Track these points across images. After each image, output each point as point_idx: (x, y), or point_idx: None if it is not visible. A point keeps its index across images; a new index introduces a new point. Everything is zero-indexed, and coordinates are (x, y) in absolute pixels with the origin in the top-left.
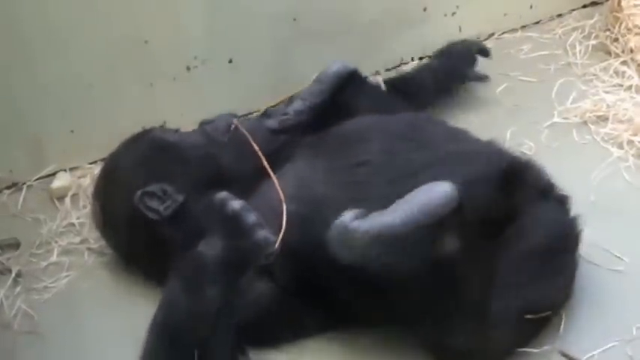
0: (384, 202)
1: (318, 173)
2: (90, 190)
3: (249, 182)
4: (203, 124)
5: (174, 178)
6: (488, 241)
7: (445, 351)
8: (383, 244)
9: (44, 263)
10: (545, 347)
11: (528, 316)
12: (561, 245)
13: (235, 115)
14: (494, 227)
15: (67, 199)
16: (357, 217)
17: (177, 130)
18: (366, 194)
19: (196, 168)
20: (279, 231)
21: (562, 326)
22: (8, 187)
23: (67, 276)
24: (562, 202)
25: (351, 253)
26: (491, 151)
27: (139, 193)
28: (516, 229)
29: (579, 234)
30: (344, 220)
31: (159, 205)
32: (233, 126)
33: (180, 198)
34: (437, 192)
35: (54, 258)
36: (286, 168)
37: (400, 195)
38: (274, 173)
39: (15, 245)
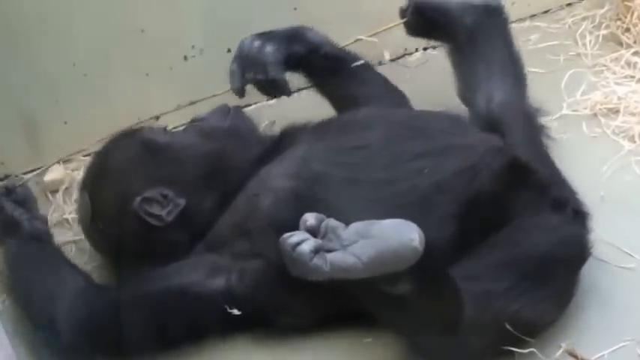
0: (377, 186)
1: (318, 153)
2: (76, 197)
3: (252, 170)
4: (195, 121)
5: (172, 181)
6: (475, 238)
7: (416, 348)
8: (338, 278)
9: None
10: (553, 347)
11: (507, 327)
12: (559, 260)
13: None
14: (486, 225)
15: (60, 193)
16: (316, 250)
17: (165, 129)
18: (361, 176)
19: (194, 169)
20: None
21: (570, 325)
22: (0, 180)
23: None
24: (578, 216)
25: (306, 278)
26: (491, 146)
27: (138, 199)
28: (512, 232)
29: (585, 253)
30: (304, 252)
31: (160, 210)
32: (232, 111)
33: (182, 202)
34: (406, 241)
35: None
36: (288, 150)
37: (392, 181)
38: (276, 159)
39: None
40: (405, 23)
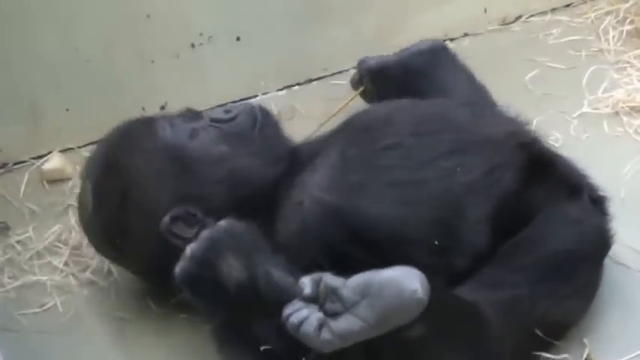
0: (412, 188)
1: (349, 161)
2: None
3: (284, 181)
4: (217, 121)
5: (198, 198)
6: (498, 241)
7: None
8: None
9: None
10: (570, 354)
11: (537, 332)
12: (583, 254)
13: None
14: (510, 225)
15: (59, 183)
16: (321, 324)
17: (192, 132)
18: (396, 179)
19: (223, 186)
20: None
21: (588, 331)
22: None
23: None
24: (596, 202)
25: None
26: (520, 138)
27: (167, 218)
28: (533, 231)
29: (608, 242)
30: (309, 331)
31: (186, 231)
32: (261, 114)
33: (212, 224)
34: (408, 295)
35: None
36: (317, 162)
37: (428, 181)
38: (304, 170)
39: (3, 229)
40: (362, 93)
